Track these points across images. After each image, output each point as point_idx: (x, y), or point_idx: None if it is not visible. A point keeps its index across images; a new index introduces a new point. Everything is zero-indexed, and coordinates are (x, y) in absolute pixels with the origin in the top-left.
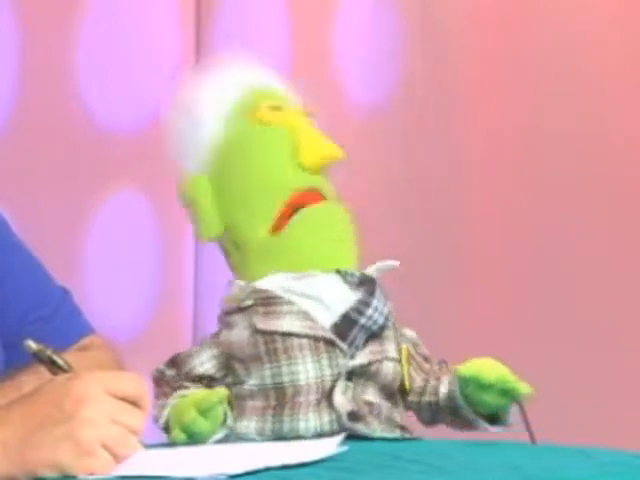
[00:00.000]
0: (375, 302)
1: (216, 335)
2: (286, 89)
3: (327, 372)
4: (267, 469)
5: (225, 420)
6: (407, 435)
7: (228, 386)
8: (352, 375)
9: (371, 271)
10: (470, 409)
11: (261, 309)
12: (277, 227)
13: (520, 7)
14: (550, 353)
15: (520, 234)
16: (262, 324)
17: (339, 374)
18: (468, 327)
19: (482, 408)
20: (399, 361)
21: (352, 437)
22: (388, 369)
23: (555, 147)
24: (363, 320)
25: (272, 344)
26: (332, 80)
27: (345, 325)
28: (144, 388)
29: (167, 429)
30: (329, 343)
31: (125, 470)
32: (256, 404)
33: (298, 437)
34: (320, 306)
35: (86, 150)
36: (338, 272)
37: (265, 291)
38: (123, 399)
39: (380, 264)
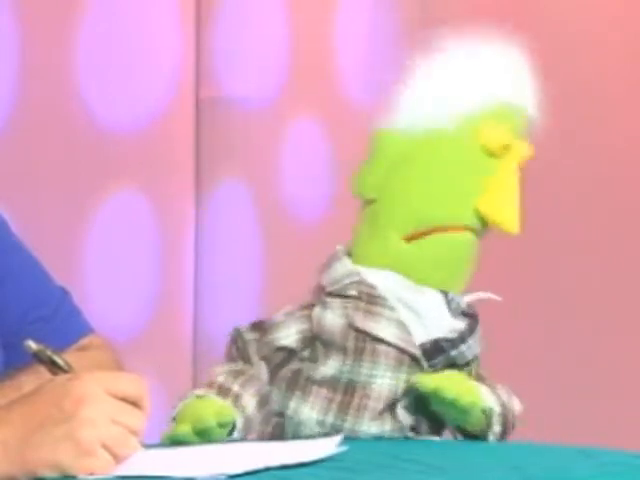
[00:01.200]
0: (471, 341)
1: (307, 309)
2: (527, 115)
3: (402, 385)
4: (267, 469)
5: (231, 433)
6: None
7: (303, 360)
8: (419, 397)
9: (472, 300)
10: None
11: (363, 305)
12: (412, 238)
13: (520, 7)
14: (550, 353)
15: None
16: (360, 322)
17: (410, 391)
18: None
19: (450, 421)
20: None
21: (352, 437)
22: None
23: (555, 147)
24: (454, 353)
25: (362, 343)
26: (332, 80)
27: (434, 350)
28: (144, 388)
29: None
30: (414, 360)
31: (125, 470)
32: (321, 391)
33: (357, 439)
34: (419, 322)
35: (86, 150)
36: (445, 295)
37: (372, 287)
38: (123, 399)
39: (482, 294)
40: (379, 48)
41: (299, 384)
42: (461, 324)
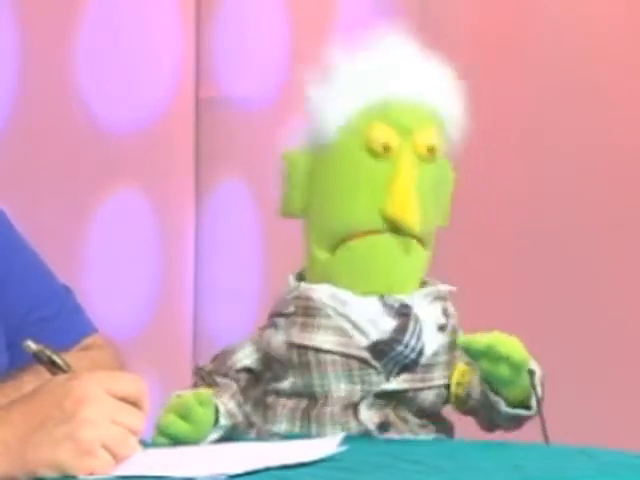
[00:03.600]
0: (407, 338)
1: (261, 331)
2: (425, 102)
3: (358, 387)
4: (267, 469)
5: (217, 420)
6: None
7: (268, 381)
8: (384, 396)
9: (419, 296)
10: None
11: (300, 319)
12: (332, 249)
13: (520, 7)
14: (551, 353)
15: (520, 233)
16: (297, 337)
17: (369, 392)
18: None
19: (497, 382)
20: (447, 386)
21: (352, 437)
22: (428, 396)
23: (555, 147)
24: (393, 354)
25: (305, 357)
26: None
27: (377, 352)
28: (144, 388)
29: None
30: (362, 362)
31: (125, 470)
32: (287, 403)
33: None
34: (355, 328)
35: (86, 150)
36: (381, 297)
37: (308, 299)
38: (123, 399)
39: (434, 288)
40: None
41: (267, 404)
42: (394, 324)
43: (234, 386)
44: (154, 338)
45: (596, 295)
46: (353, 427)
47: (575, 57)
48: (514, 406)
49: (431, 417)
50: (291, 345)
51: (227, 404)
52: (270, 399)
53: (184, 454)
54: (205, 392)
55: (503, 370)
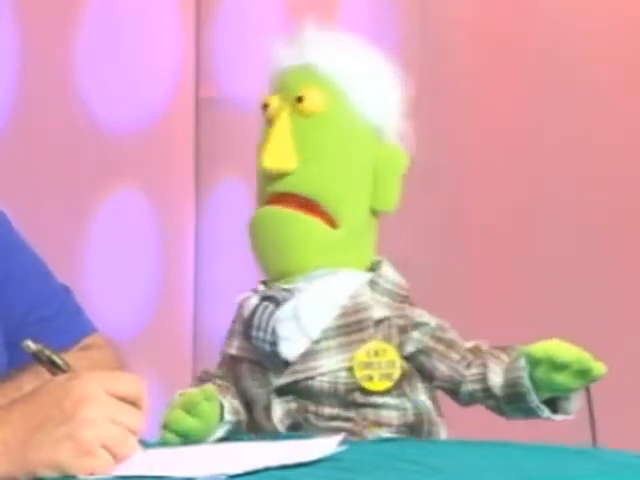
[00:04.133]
0: (254, 332)
1: None
2: (304, 65)
3: (260, 391)
4: (266, 469)
5: (222, 417)
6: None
7: (265, 370)
8: (289, 392)
9: (307, 279)
10: (536, 395)
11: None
12: None
13: (520, 7)
14: None
15: (521, 233)
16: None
17: (270, 392)
18: (469, 326)
19: (554, 390)
20: (350, 369)
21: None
22: (322, 384)
23: (555, 147)
24: (257, 350)
25: (232, 364)
26: None
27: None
28: (144, 388)
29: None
30: (257, 364)
31: (125, 470)
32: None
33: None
34: (251, 328)
35: (86, 150)
36: (266, 288)
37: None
38: (123, 399)
39: (323, 270)
40: (379, 48)
41: (265, 399)
42: None
43: (233, 388)
44: (154, 338)
45: (596, 295)
46: (269, 431)
47: (574, 57)
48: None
49: (350, 407)
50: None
51: (231, 401)
52: (266, 395)
53: (184, 454)
54: (210, 388)
55: (567, 379)
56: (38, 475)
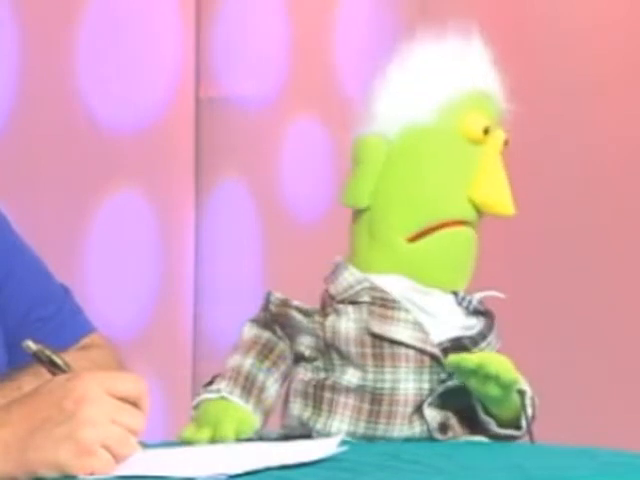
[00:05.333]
0: (491, 338)
1: (322, 316)
2: (498, 101)
3: (426, 386)
4: (267, 469)
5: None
6: None
7: (319, 370)
8: (445, 397)
9: (477, 299)
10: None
11: (378, 310)
12: (415, 237)
13: (520, 7)
14: (552, 354)
15: (521, 233)
16: (377, 327)
17: (435, 390)
18: None
19: (487, 402)
20: None
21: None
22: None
23: (555, 147)
24: (475, 351)
25: (380, 348)
26: (332, 80)
27: (455, 349)
28: (144, 388)
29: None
30: (435, 359)
31: (125, 470)
32: (348, 402)
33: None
34: (434, 322)
35: (86, 150)
36: (455, 294)
37: (383, 292)
38: (123, 399)
39: (488, 293)
40: (379, 47)
41: (325, 398)
42: (475, 321)
43: (288, 359)
44: (154, 338)
45: (596, 295)
46: (417, 427)
47: (574, 57)
48: (505, 425)
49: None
50: (368, 334)
51: (269, 399)
52: (326, 394)
53: (184, 454)
54: (247, 425)
55: (492, 389)
56: (38, 475)
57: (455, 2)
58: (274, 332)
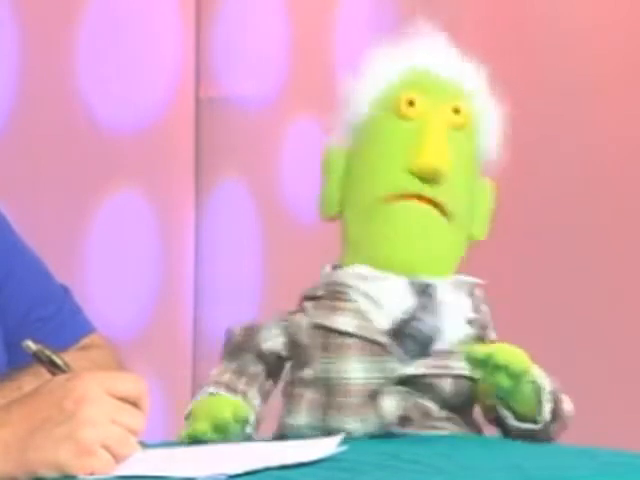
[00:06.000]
0: (425, 316)
1: (292, 315)
2: (453, 75)
3: (375, 375)
4: (266, 469)
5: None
6: None
7: (292, 369)
8: (407, 383)
9: (451, 282)
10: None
11: (328, 303)
12: (367, 222)
13: (521, 7)
14: (552, 354)
15: (520, 234)
16: (320, 319)
17: (388, 378)
18: None
19: (498, 393)
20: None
21: (352, 437)
22: (446, 385)
23: (555, 147)
24: (410, 330)
25: (326, 339)
26: (332, 80)
27: (398, 332)
28: (144, 388)
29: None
30: (381, 346)
31: (125, 470)
32: (308, 395)
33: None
34: (379, 310)
35: (86, 150)
36: (411, 278)
37: (335, 284)
38: (123, 399)
39: (462, 277)
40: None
41: (293, 394)
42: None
43: (262, 376)
44: (154, 338)
45: (595, 295)
46: (372, 419)
47: (574, 57)
48: (523, 419)
49: (456, 410)
50: (316, 328)
51: (255, 404)
52: (294, 389)
53: (184, 454)
54: (242, 408)
55: (502, 380)
56: (38, 475)
57: (455, 3)
58: (241, 359)
